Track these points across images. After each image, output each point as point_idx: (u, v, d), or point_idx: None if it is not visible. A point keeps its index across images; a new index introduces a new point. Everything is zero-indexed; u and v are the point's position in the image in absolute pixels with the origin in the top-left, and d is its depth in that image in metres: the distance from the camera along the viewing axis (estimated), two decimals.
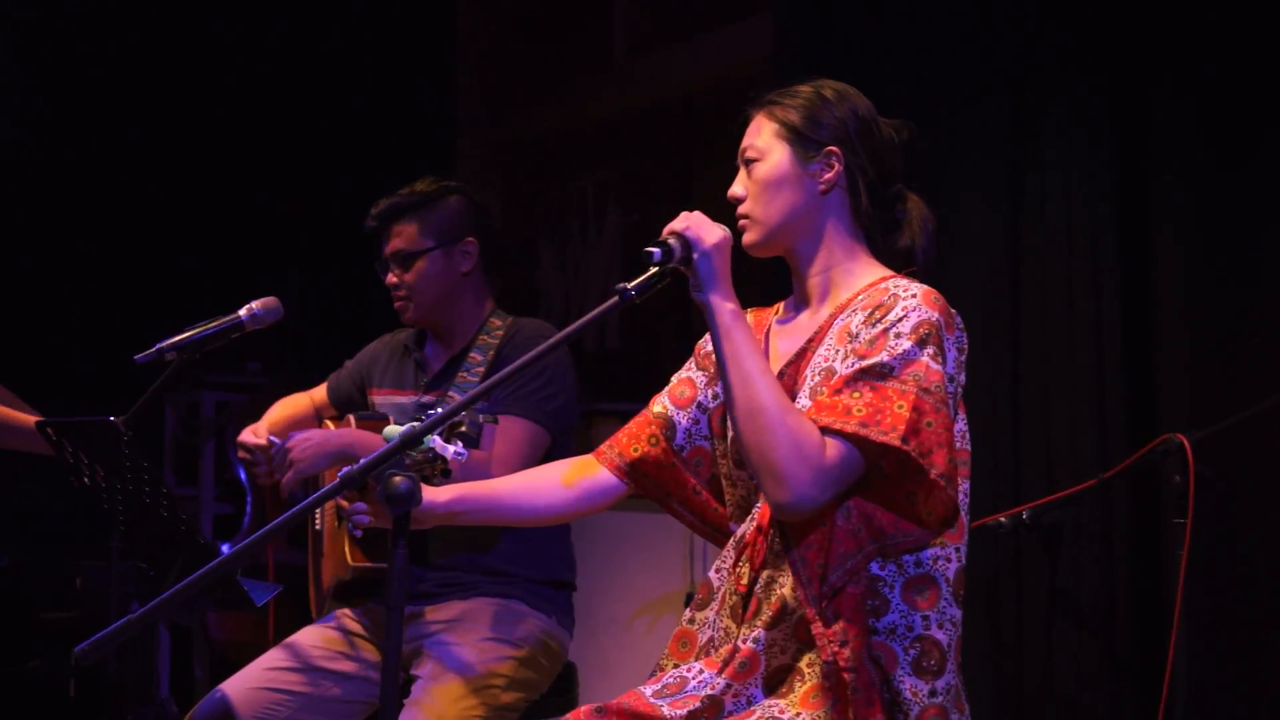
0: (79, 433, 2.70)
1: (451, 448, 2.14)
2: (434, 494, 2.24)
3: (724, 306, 2.07)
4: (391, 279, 3.03)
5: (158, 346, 2.80)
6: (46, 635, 4.15)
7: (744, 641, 2.10)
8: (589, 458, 2.35)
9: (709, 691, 2.09)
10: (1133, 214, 3.15)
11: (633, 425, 2.34)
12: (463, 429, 2.03)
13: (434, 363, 3.07)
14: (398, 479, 1.92)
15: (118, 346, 4.92)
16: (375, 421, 2.90)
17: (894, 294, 2.09)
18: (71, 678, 4.44)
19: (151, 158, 5.21)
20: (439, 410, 2.01)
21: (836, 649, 2.00)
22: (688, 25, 4.82)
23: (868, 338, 2.05)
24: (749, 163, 2.21)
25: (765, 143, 2.20)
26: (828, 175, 2.18)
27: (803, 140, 2.18)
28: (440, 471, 2.07)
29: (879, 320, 2.06)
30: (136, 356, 2.81)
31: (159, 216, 5.24)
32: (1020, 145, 3.34)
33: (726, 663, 2.11)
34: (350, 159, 5.30)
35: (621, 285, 2.05)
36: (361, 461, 2.00)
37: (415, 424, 1.99)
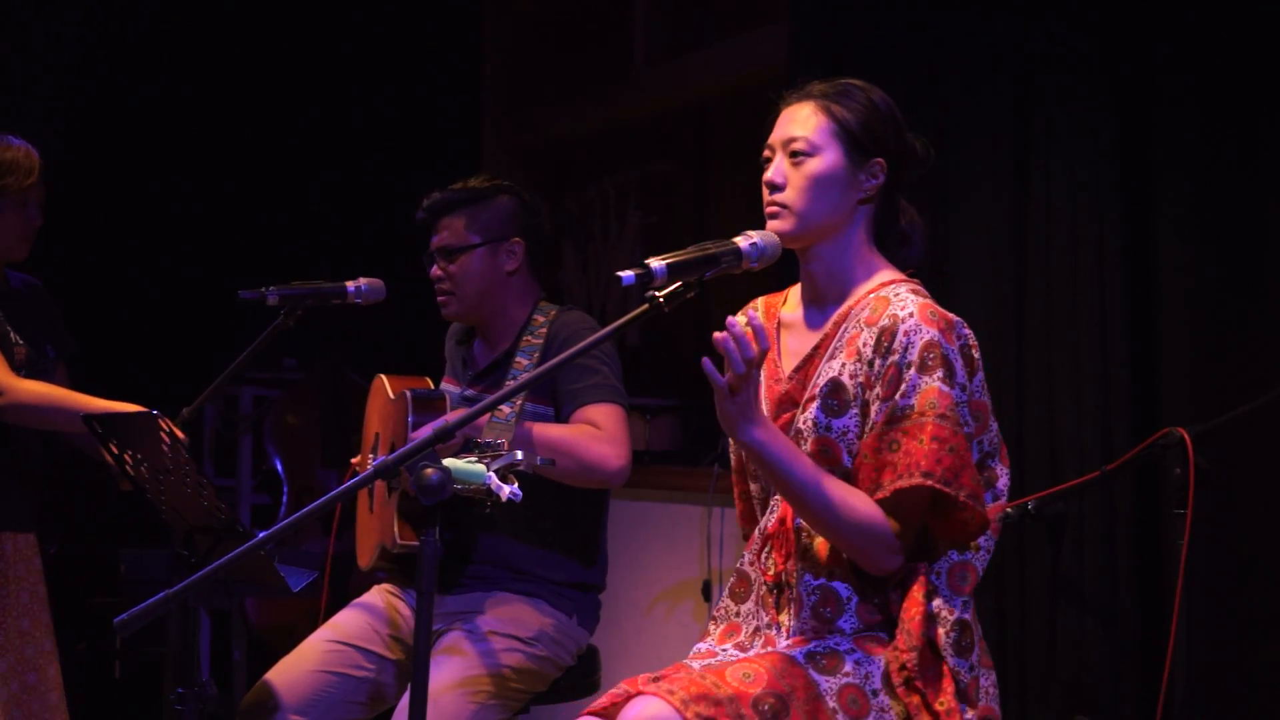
0: (122, 425, 2.77)
1: (507, 487, 2.17)
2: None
3: (753, 438, 2.08)
4: (436, 272, 3.06)
5: (264, 289, 2.91)
6: (93, 620, 4.28)
7: (786, 634, 2.20)
8: None
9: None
10: (1137, 208, 3.16)
11: None
12: (519, 467, 2.07)
13: (480, 359, 3.10)
14: (429, 471, 1.96)
15: (155, 342, 5.06)
16: (431, 400, 2.92)
17: (893, 313, 2.12)
18: (116, 659, 4.54)
19: (184, 159, 5.27)
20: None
21: (905, 656, 2.11)
22: (705, 34, 4.90)
23: (883, 372, 2.11)
24: (796, 154, 2.19)
25: (821, 139, 2.18)
26: (870, 185, 2.20)
27: (858, 146, 2.18)
28: (491, 503, 2.12)
29: (888, 350, 2.10)
30: (241, 292, 2.90)
31: (194, 214, 5.31)
32: (1025, 142, 3.35)
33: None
34: (380, 161, 5.39)
35: (652, 293, 2.07)
36: (397, 452, 2.03)
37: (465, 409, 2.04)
